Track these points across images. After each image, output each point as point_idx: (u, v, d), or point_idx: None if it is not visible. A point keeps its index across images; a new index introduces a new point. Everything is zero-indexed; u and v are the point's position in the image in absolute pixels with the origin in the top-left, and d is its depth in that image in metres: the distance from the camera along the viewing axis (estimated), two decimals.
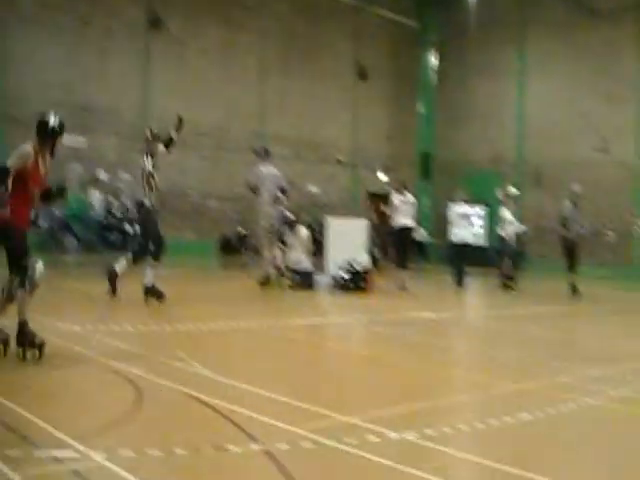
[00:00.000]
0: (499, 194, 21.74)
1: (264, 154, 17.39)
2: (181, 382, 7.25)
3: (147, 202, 13.65)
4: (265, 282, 16.73)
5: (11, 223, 8.06)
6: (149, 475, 4.73)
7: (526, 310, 16.17)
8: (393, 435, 5.85)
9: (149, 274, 13.61)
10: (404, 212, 19.23)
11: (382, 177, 25.56)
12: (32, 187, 8.26)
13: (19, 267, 8.12)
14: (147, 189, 13.71)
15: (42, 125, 8.42)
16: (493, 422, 6.46)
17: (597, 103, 29.73)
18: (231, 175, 27.30)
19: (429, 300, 17.63)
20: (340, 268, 17.72)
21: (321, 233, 20.20)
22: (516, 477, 5.12)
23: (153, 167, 13.75)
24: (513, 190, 21.88)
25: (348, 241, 18.37)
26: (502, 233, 20.81)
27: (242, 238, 28.82)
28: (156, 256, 13.73)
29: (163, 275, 14.38)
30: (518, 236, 21.24)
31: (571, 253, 19.19)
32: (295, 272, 17.54)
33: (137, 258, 13.73)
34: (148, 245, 13.74)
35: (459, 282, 20.63)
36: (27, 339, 8.06)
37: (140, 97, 26.51)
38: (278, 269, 17.48)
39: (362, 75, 29.37)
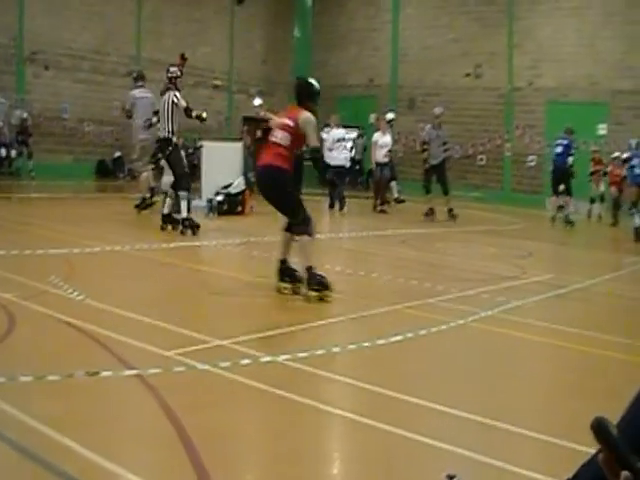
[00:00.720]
0: (372, 119, 21.86)
1: (138, 78, 17.21)
2: (54, 307, 7.21)
3: (175, 139, 13.94)
4: (142, 206, 16.59)
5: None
6: (19, 400, 4.74)
7: (400, 232, 16.44)
8: (267, 358, 5.96)
9: (168, 203, 14.12)
10: None
11: (257, 102, 25.44)
12: None
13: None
14: (176, 125, 13.86)
15: (312, 90, 9.12)
16: (365, 344, 6.63)
17: (471, 29, 30.09)
18: (107, 99, 26.91)
19: None
20: (216, 191, 17.67)
21: (196, 157, 20.07)
22: (386, 398, 5.31)
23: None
24: (389, 115, 22.04)
25: (223, 165, 18.30)
26: (375, 158, 20.96)
27: (118, 162, 28.47)
28: (186, 188, 13.98)
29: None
30: (386, 159, 21.28)
31: (431, 177, 19.47)
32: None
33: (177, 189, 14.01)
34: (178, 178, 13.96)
35: (338, 205, 20.76)
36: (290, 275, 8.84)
37: (15, 18, 25.58)
38: (152, 193, 17.30)
39: None
